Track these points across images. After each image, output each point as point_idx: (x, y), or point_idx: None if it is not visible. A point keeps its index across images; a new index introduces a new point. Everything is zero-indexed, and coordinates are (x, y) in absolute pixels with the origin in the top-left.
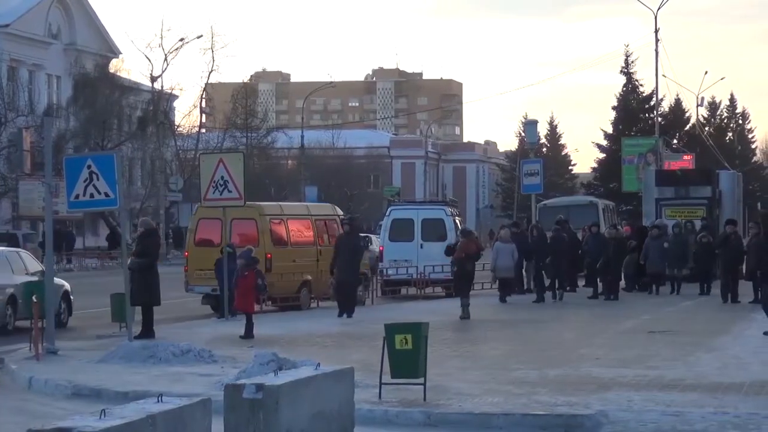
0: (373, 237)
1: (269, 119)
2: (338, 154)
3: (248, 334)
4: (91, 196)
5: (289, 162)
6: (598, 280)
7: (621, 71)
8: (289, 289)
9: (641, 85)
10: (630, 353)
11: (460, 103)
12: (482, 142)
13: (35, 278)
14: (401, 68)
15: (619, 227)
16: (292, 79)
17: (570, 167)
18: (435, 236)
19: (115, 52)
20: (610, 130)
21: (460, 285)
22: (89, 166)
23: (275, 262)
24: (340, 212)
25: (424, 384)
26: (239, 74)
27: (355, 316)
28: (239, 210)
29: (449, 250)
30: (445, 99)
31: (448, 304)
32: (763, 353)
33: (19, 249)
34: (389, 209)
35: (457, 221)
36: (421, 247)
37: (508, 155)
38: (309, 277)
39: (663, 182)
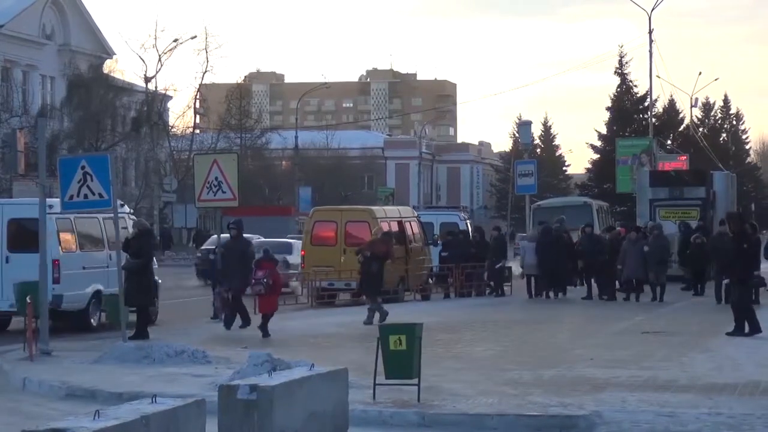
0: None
1: (263, 120)
2: (332, 154)
3: (264, 333)
4: (85, 196)
5: (283, 163)
6: (593, 280)
7: (615, 72)
8: (392, 284)
9: (635, 85)
10: (624, 354)
11: (454, 103)
12: (476, 143)
13: None
14: (395, 69)
15: (615, 228)
16: (286, 80)
17: (564, 168)
18: None
19: (109, 53)
20: (604, 130)
21: (364, 286)
22: (83, 167)
23: None
24: (416, 214)
25: (418, 385)
26: (233, 75)
27: (353, 316)
28: (353, 213)
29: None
30: (439, 100)
31: (446, 304)
32: (757, 354)
33: None
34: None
35: (469, 224)
36: (437, 246)
37: (502, 156)
38: (403, 273)
39: (657, 183)
